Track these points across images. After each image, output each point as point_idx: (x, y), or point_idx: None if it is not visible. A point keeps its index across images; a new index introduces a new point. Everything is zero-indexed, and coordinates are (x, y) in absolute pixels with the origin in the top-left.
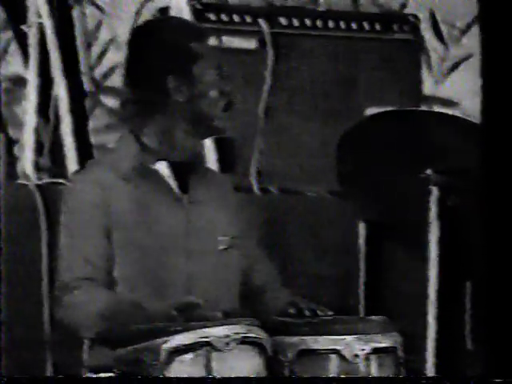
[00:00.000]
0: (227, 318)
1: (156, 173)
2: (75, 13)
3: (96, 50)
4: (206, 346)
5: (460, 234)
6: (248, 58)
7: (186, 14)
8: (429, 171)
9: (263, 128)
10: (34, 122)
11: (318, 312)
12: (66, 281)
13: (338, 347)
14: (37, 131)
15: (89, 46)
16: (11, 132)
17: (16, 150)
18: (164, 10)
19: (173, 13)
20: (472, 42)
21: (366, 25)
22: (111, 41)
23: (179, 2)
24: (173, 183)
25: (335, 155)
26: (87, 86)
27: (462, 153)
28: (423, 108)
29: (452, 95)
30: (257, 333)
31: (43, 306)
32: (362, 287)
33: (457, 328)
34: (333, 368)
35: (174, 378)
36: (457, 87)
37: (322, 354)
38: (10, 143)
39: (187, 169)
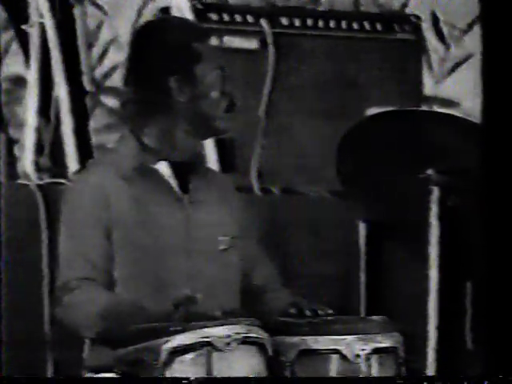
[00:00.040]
0: (227, 317)
1: (156, 173)
2: (76, 13)
3: (97, 50)
4: (207, 346)
5: (460, 234)
6: (249, 58)
7: (187, 14)
8: (429, 171)
9: (264, 128)
10: (34, 122)
11: (319, 312)
12: (66, 280)
13: (338, 347)
14: (37, 131)
15: (89, 46)
16: (12, 132)
17: (16, 149)
18: (165, 10)
19: (174, 13)
20: (473, 42)
21: (367, 25)
22: (112, 41)
23: (180, 1)
24: (173, 183)
25: (336, 155)
26: (88, 86)
27: (463, 153)
28: (424, 108)
29: (452, 95)
30: (257, 333)
31: (43, 306)
32: (363, 287)
33: (457, 328)
34: (333, 368)
35: (174, 378)
36: (457, 87)
37: (322, 354)
38: (11, 143)
39: (188, 169)
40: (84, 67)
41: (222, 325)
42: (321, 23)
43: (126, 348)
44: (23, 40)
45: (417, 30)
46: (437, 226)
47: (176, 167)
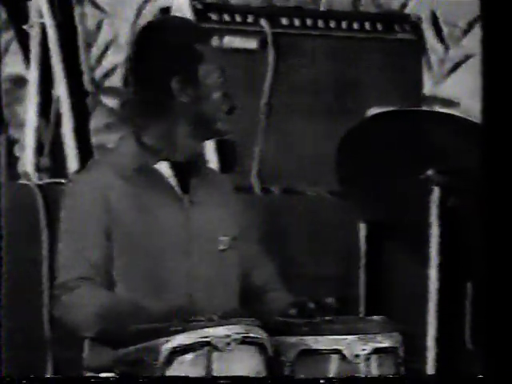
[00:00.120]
0: (225, 319)
1: (157, 173)
2: (76, 13)
3: (96, 50)
4: (207, 346)
5: (460, 235)
6: (249, 58)
7: (188, 14)
8: (429, 171)
9: (264, 128)
10: (34, 122)
11: (324, 302)
12: (65, 280)
13: (338, 347)
14: (38, 131)
15: (89, 46)
16: (12, 132)
17: (17, 149)
18: (165, 10)
19: (174, 13)
20: (473, 42)
21: (367, 25)
22: (111, 41)
23: (181, 2)
24: (174, 183)
25: (336, 155)
26: (87, 86)
27: (463, 153)
28: (424, 108)
29: (452, 95)
30: (257, 333)
31: (43, 306)
32: (363, 287)
33: (457, 328)
34: (333, 368)
35: (174, 377)
36: (457, 87)
37: (322, 354)
38: (11, 143)
39: (188, 169)
40: (84, 67)
41: (221, 325)
42: (321, 23)
43: (125, 348)
44: (23, 40)
45: (417, 29)
46: (437, 226)
47: (176, 167)
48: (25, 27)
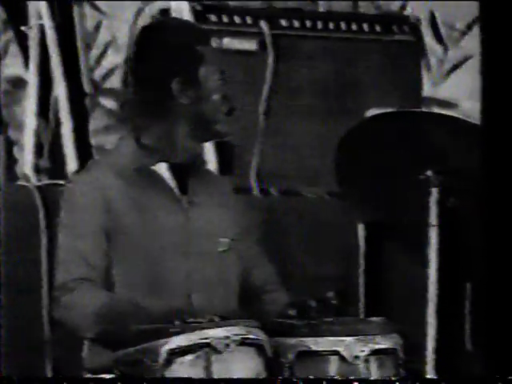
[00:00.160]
0: (224, 321)
1: (156, 174)
2: (75, 14)
3: (95, 51)
4: (206, 347)
5: (460, 235)
6: (248, 60)
7: (187, 16)
8: (428, 172)
9: (263, 129)
10: (33, 123)
11: (325, 296)
12: (65, 281)
13: (337, 348)
14: (37, 132)
15: (88, 47)
16: (11, 133)
17: (16, 151)
18: (164, 12)
19: (173, 14)
20: (471, 43)
21: (366, 26)
22: (111, 42)
23: (180, 3)
24: (172, 184)
25: (335, 156)
26: (86, 87)
27: (462, 154)
28: (423, 109)
29: (451, 96)
30: (256, 334)
31: (43, 306)
32: (362, 288)
33: (456, 329)
34: (333, 369)
35: (173, 379)
36: (456, 89)
37: (321, 356)
38: (10, 144)
39: (187, 170)
40: (83, 68)
41: (221, 326)
42: (320, 25)
43: (125, 349)
44: (22, 41)
45: (416, 31)
46: (436, 226)
47: (175, 169)
48: (24, 28)
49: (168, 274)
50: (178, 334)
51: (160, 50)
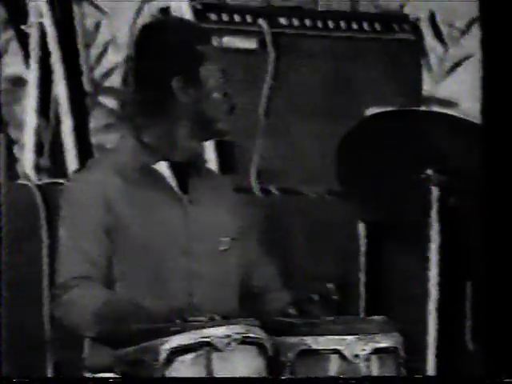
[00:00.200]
0: (225, 319)
1: (156, 173)
2: (75, 13)
3: (95, 50)
4: (207, 346)
5: (460, 235)
6: (248, 58)
7: (187, 14)
8: (429, 171)
9: (263, 128)
10: (34, 122)
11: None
12: (65, 280)
13: (338, 347)
14: (37, 131)
15: (88, 46)
16: (11, 132)
17: (16, 150)
18: (164, 11)
19: (173, 13)
20: (471, 42)
21: (366, 25)
22: (111, 41)
23: (180, 2)
24: (173, 183)
25: (335, 155)
26: (86, 86)
27: (462, 153)
28: (423, 108)
29: (451, 95)
30: (257, 333)
31: (43, 306)
32: (362, 287)
33: (457, 328)
34: (333, 368)
35: (174, 378)
36: (456, 87)
37: (322, 355)
38: (11, 143)
39: (188, 169)
40: (83, 67)
41: (221, 325)
42: (320, 23)
43: (125, 348)
44: (23, 40)
45: (416, 30)
46: (436, 226)
47: (176, 167)
48: (24, 27)
49: (168, 273)
50: (178, 332)
51: (160, 48)
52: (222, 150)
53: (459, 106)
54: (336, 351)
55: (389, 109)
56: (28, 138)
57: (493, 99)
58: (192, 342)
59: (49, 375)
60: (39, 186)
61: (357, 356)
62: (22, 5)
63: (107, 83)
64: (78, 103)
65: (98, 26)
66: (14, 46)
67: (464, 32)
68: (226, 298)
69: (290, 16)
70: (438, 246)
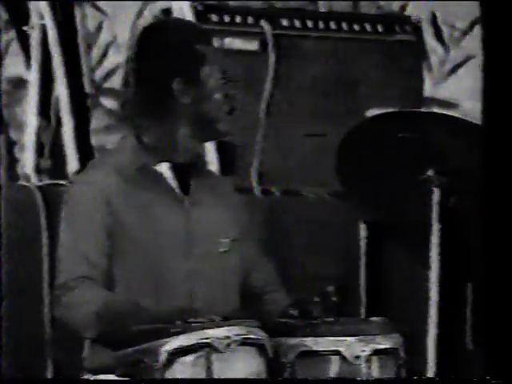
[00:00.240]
0: (225, 321)
1: (157, 174)
2: (76, 14)
3: (96, 51)
4: (207, 347)
5: (460, 235)
6: (250, 60)
7: (188, 16)
8: (429, 172)
9: (264, 129)
10: (34, 123)
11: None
12: (66, 280)
13: (338, 348)
14: (38, 132)
15: (89, 47)
16: (12, 133)
17: (17, 151)
18: (166, 12)
19: (174, 14)
20: (472, 43)
21: (367, 26)
22: (111, 42)
23: (181, 3)
24: (174, 185)
25: (336, 156)
26: (87, 87)
27: (463, 154)
28: (424, 109)
29: (453, 96)
30: (257, 334)
31: (44, 306)
32: (363, 288)
33: (457, 329)
34: (334, 369)
35: (174, 379)
36: (457, 89)
37: (322, 356)
38: (11, 144)
39: (189, 171)
40: (84, 68)
41: (221, 326)
42: (321, 24)
43: (126, 350)
44: (24, 41)
45: (417, 31)
46: (437, 227)
47: (177, 169)
48: (25, 28)
49: (169, 274)
50: (178, 334)
51: (161, 49)
52: (223, 151)
53: (460, 106)
54: (336, 352)
55: (390, 110)
56: (28, 139)
57: (493, 100)
58: (192, 343)
59: (48, 376)
60: (40, 187)
61: (357, 357)
62: (23, 6)
63: (108, 84)
64: (78, 104)
65: (99, 27)
66: (15, 47)
67: (465, 33)
68: (227, 299)
69: (291, 17)
70: (439, 246)
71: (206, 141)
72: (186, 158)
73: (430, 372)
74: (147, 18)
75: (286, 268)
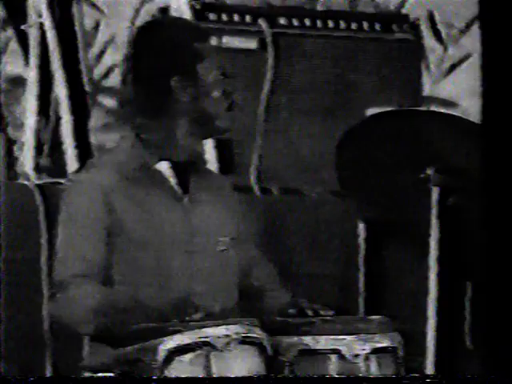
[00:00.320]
0: (225, 314)
1: (157, 172)
2: (75, 12)
3: (94, 50)
4: (206, 345)
5: (460, 234)
6: (248, 58)
7: (186, 14)
8: (429, 171)
9: (263, 128)
10: (33, 122)
11: (321, 312)
12: (62, 278)
13: (338, 347)
14: (37, 131)
15: (88, 45)
16: (11, 132)
17: (16, 150)
18: (163, 10)
19: (173, 12)
20: (471, 42)
21: (365, 25)
22: (110, 41)
23: (179, 1)
24: (173, 183)
25: (335, 155)
26: (86, 85)
27: (462, 153)
28: (423, 108)
29: (451, 95)
30: (257, 333)
31: (43, 305)
32: (362, 287)
33: (456, 327)
34: (333, 368)
35: (173, 378)
36: (456, 87)
37: (322, 354)
38: (10, 143)
39: (188, 169)
40: (82, 67)
41: (221, 325)
42: (319, 23)
43: (124, 348)
44: (22, 40)
45: (415, 30)
46: (436, 225)
47: (176, 167)
48: (24, 27)
49: (168, 273)
50: (177, 332)
51: (159, 48)
52: (222, 150)
53: (459, 105)
54: (335, 351)
55: (388, 109)
56: (27, 138)
57: (492, 99)
58: (191, 341)
59: (48, 375)
60: (39, 186)
61: (356, 356)
62: (22, 4)
63: (106, 83)
64: (77, 103)
65: (97, 25)
66: (14, 46)
67: (463, 32)
68: (226, 297)
69: (289, 16)
70: (438, 245)
71: (206, 138)
72: (185, 155)
73: (429, 370)
74: (145, 16)
75: (285, 267)
